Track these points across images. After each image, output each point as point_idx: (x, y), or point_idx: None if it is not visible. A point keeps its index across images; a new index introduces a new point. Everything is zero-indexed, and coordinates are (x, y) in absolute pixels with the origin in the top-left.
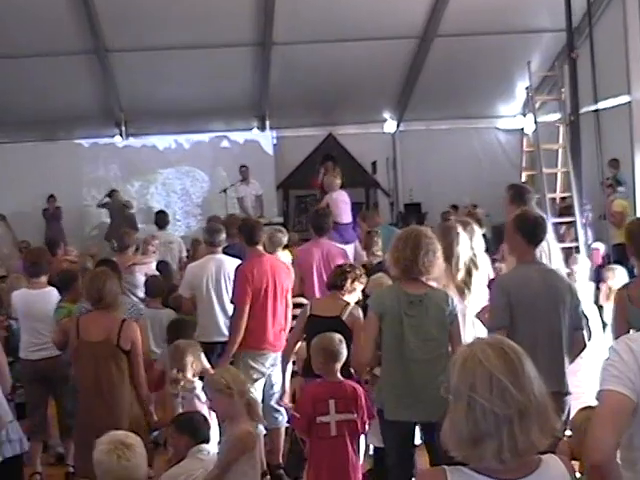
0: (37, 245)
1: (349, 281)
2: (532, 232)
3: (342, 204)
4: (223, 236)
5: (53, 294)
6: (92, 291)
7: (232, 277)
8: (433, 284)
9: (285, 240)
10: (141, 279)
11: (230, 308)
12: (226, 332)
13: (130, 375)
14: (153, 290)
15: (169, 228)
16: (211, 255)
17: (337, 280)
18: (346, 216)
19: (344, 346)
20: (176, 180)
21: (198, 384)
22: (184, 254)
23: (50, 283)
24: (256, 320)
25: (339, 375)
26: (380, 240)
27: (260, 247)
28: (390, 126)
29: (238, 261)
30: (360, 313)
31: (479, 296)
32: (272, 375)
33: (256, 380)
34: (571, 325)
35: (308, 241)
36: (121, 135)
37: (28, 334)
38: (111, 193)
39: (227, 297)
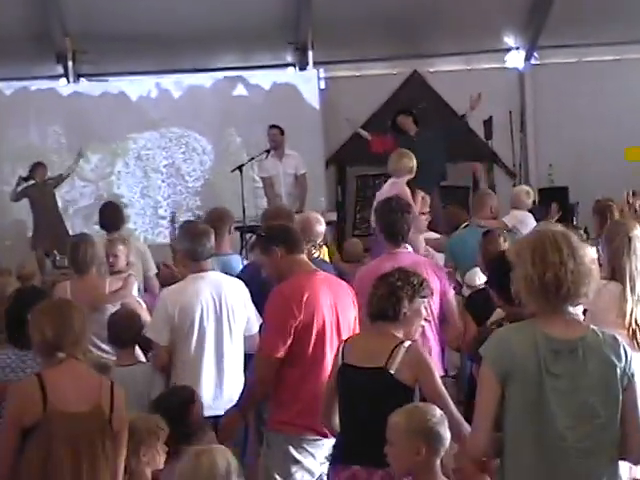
0: None
1: (405, 303)
2: None
3: None
4: (211, 243)
5: None
6: (56, 326)
7: (236, 311)
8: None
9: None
10: None
11: (233, 363)
12: (221, 405)
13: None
14: (122, 335)
15: (127, 228)
16: (199, 274)
17: (386, 305)
18: None
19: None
20: (159, 151)
21: None
22: (152, 271)
23: None
24: (304, 384)
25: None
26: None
27: (304, 256)
28: (516, 59)
29: (240, 283)
30: (426, 356)
31: None
32: (326, 474)
33: None
34: None
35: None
36: (66, 76)
37: None
38: (32, 169)
39: (230, 344)
